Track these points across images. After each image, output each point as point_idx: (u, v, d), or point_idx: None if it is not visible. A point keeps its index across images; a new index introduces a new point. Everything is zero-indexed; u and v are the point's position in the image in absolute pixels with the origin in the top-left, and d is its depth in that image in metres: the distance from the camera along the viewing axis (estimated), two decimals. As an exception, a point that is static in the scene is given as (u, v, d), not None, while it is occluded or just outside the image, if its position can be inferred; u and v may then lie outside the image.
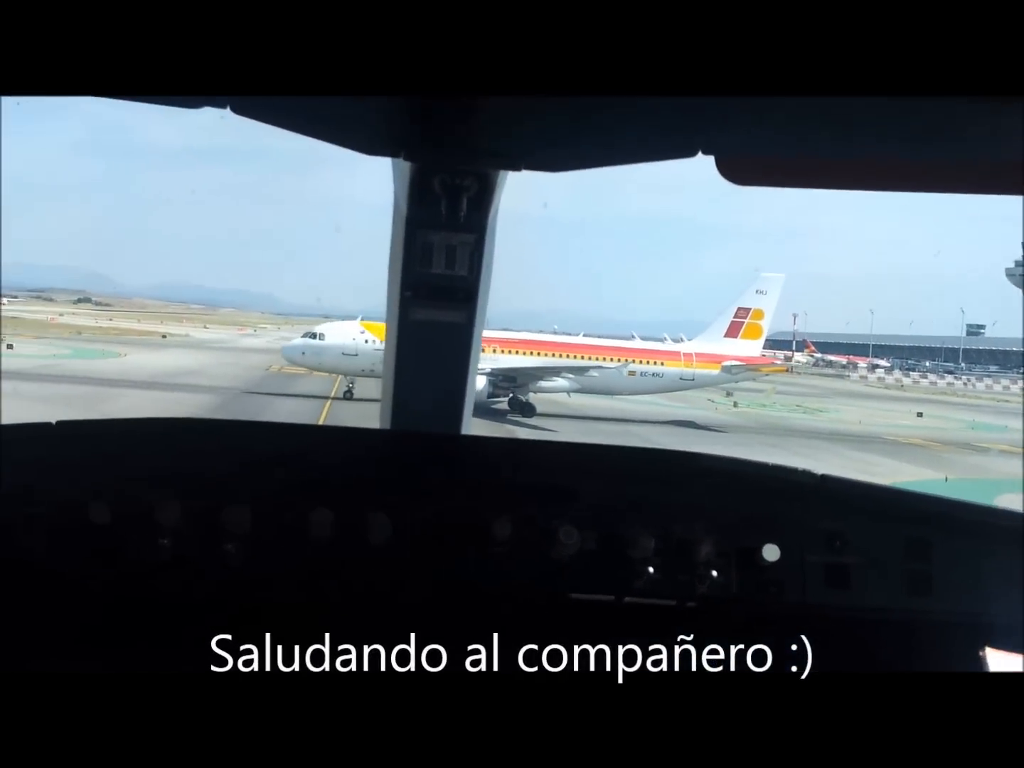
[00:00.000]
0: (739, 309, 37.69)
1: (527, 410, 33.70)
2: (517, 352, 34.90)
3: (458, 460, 2.39)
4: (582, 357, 34.75)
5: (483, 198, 2.14)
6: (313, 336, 33.06)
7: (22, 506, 2.05)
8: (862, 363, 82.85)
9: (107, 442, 2.27)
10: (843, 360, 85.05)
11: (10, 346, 42.73)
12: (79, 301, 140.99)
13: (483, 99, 1.63)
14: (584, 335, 39.48)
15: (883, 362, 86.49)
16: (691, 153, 1.89)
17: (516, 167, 2.07)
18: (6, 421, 2.22)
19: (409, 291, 2.30)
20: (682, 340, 37.75)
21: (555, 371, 33.79)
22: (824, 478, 2.35)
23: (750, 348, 36.66)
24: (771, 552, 2.20)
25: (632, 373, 35.60)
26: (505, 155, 2.06)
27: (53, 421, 2.20)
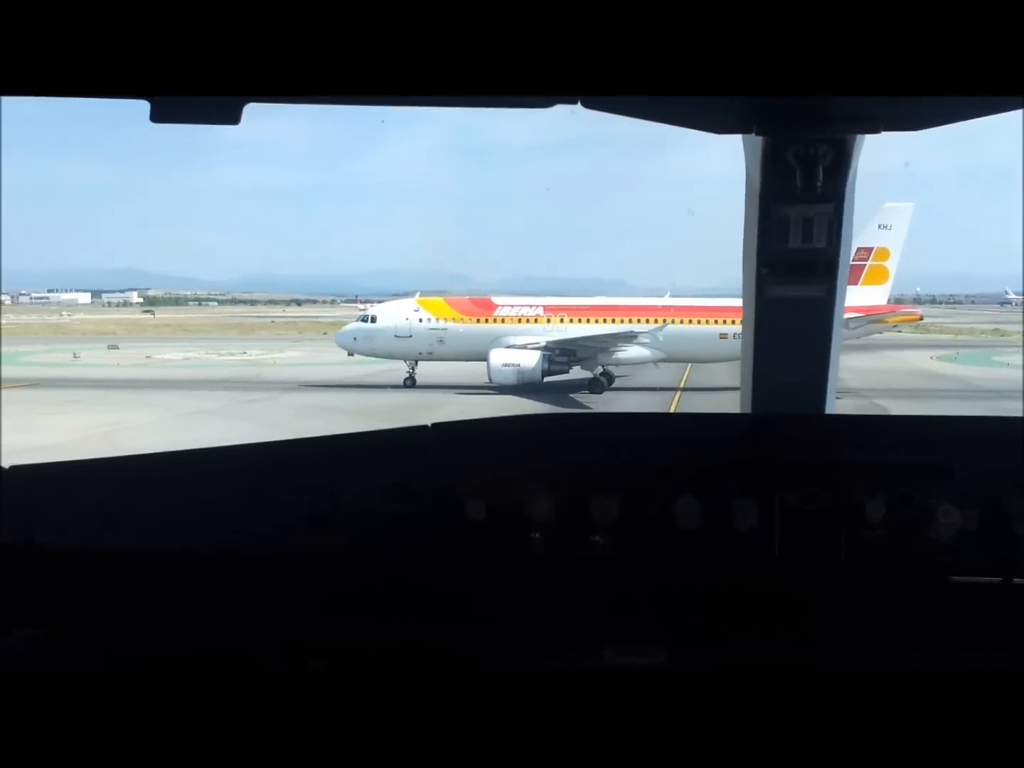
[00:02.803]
0: (858, 249, 31.17)
1: (594, 386, 30.43)
2: (587, 320, 31.62)
3: (824, 440, 2.26)
4: (655, 320, 30.67)
5: (840, 165, 2.10)
6: (366, 319, 31.82)
7: (401, 502, 2.13)
8: None
9: (476, 440, 2.31)
10: None
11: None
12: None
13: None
14: (670, 295, 35.09)
15: None
16: None
17: (875, 129, 1.99)
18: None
19: (766, 268, 2.28)
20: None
21: (596, 340, 30.14)
22: None
23: (873, 295, 30.19)
24: None
25: (723, 336, 30.98)
26: (863, 118, 1.99)
27: (429, 424, 2.27)
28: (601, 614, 2.03)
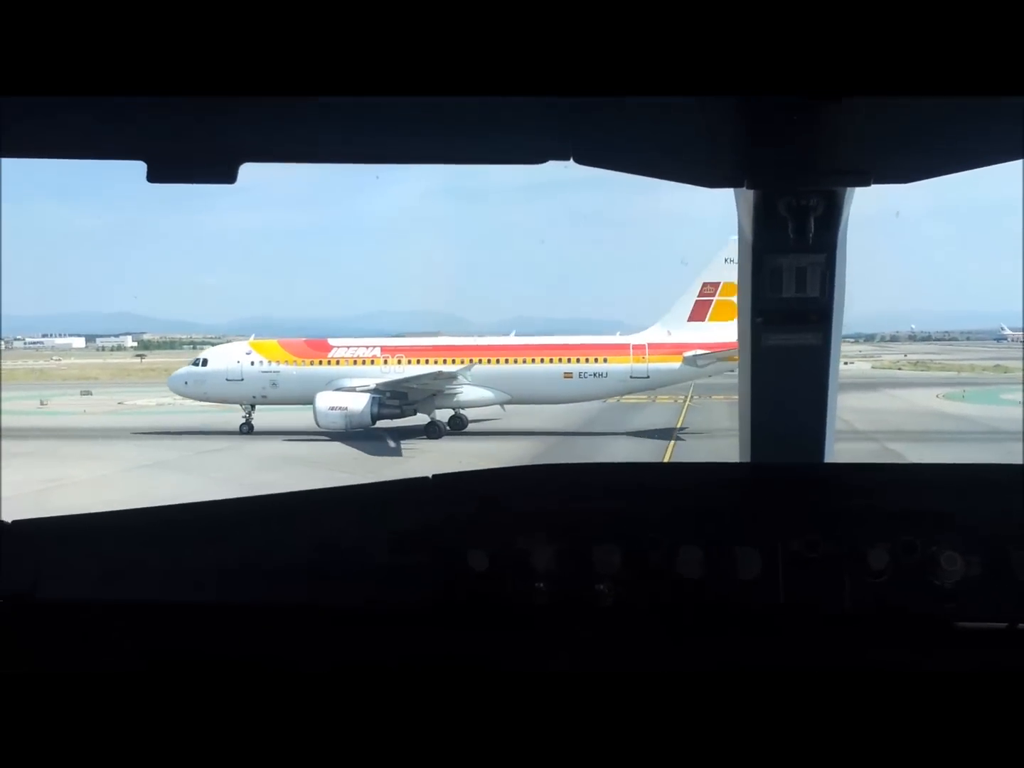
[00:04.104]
0: (705, 284, 29.42)
1: (431, 430, 28.88)
2: (425, 361, 30.14)
3: (825, 488, 2.24)
4: (495, 361, 29.08)
5: (831, 216, 2.13)
6: (197, 363, 30.70)
7: (407, 554, 2.12)
8: None
9: (477, 491, 2.28)
10: None
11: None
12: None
13: (825, 115, 1.52)
14: (515, 334, 33.49)
15: None
16: None
17: (865, 182, 2.01)
18: None
19: (760, 317, 2.32)
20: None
21: (417, 381, 28.64)
22: None
23: (722, 332, 28.14)
24: None
25: (568, 375, 29.24)
26: (853, 171, 2.02)
27: (430, 475, 2.25)
28: (599, 619, 2.02)
